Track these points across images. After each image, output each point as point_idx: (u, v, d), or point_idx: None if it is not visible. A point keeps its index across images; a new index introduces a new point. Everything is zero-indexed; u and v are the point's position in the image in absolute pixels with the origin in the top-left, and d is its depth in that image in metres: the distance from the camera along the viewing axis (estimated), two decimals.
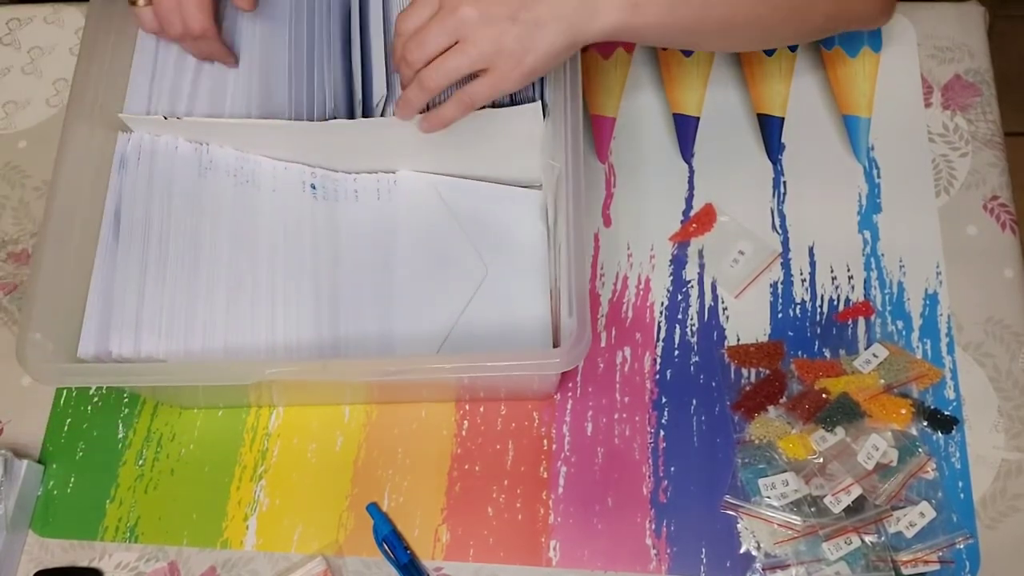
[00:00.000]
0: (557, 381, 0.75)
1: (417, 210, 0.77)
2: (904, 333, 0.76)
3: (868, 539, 0.69)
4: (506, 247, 0.76)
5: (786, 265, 0.79)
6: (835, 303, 0.78)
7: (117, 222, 0.71)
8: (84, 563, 0.74)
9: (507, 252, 0.76)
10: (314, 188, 0.76)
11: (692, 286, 0.79)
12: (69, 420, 0.79)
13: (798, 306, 0.78)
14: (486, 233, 0.76)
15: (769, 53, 0.87)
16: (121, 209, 0.72)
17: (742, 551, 0.71)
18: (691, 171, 0.83)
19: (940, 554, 0.69)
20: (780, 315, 0.78)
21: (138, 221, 0.71)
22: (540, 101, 0.70)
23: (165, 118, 0.72)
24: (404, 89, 0.66)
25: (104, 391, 0.79)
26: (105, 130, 0.73)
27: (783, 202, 0.82)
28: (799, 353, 0.76)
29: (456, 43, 0.62)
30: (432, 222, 0.76)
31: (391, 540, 0.72)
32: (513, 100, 0.70)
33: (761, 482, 0.71)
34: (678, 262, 0.80)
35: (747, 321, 0.78)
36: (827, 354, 0.76)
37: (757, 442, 0.73)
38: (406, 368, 0.63)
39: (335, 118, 0.71)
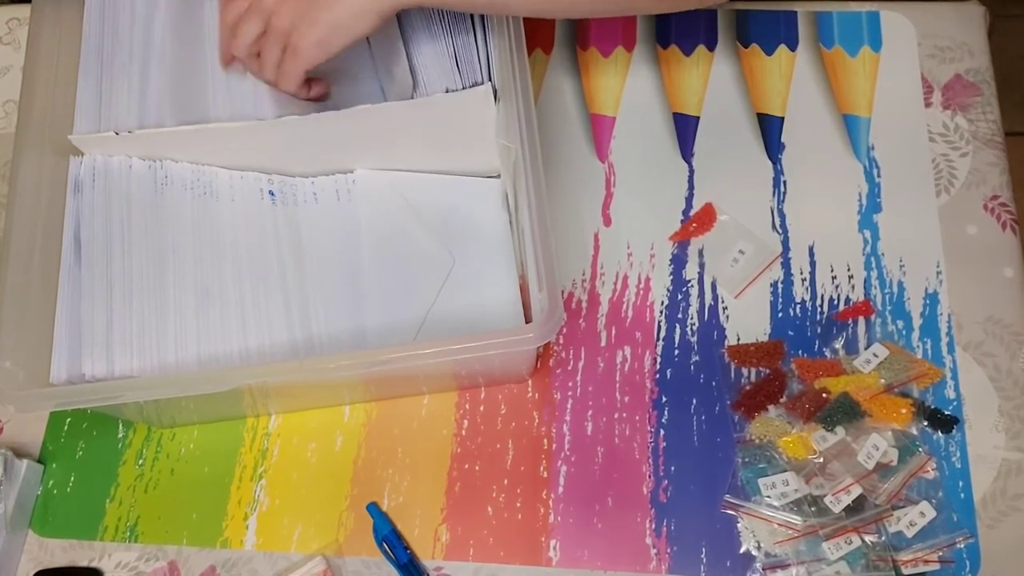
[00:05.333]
0: (534, 362, 0.75)
1: (378, 208, 0.77)
2: (904, 333, 0.76)
3: (868, 539, 0.69)
4: (470, 236, 0.77)
5: (786, 264, 0.79)
6: (835, 303, 0.78)
7: (78, 245, 0.71)
8: (84, 563, 0.74)
9: (472, 241, 0.77)
10: (272, 194, 0.76)
11: (692, 286, 0.79)
12: (69, 420, 0.79)
13: (798, 305, 0.78)
14: (449, 224, 0.77)
15: (769, 52, 0.87)
16: (80, 232, 0.72)
17: (742, 551, 0.71)
18: (691, 170, 0.83)
19: (940, 554, 0.69)
20: (780, 315, 0.78)
21: (99, 242, 0.71)
22: (489, 84, 0.71)
23: (116, 134, 0.72)
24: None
25: None
26: (56, 154, 0.73)
27: (783, 202, 0.82)
28: (799, 352, 0.76)
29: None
30: (394, 218, 0.77)
31: (391, 540, 0.72)
32: (464, 87, 0.71)
33: (761, 482, 0.71)
34: (678, 262, 0.80)
35: (747, 321, 0.78)
36: (827, 354, 0.76)
37: (757, 441, 0.73)
38: (384, 358, 0.63)
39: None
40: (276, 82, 0.67)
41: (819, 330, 0.77)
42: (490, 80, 0.72)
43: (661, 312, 0.79)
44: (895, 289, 0.78)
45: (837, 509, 0.69)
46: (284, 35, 0.64)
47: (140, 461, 0.77)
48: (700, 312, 0.78)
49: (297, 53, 0.64)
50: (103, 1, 0.78)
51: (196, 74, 0.76)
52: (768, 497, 0.71)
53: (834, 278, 0.79)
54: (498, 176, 0.78)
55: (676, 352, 0.77)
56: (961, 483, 0.71)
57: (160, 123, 0.74)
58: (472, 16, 0.73)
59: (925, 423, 0.73)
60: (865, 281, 0.78)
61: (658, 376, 0.77)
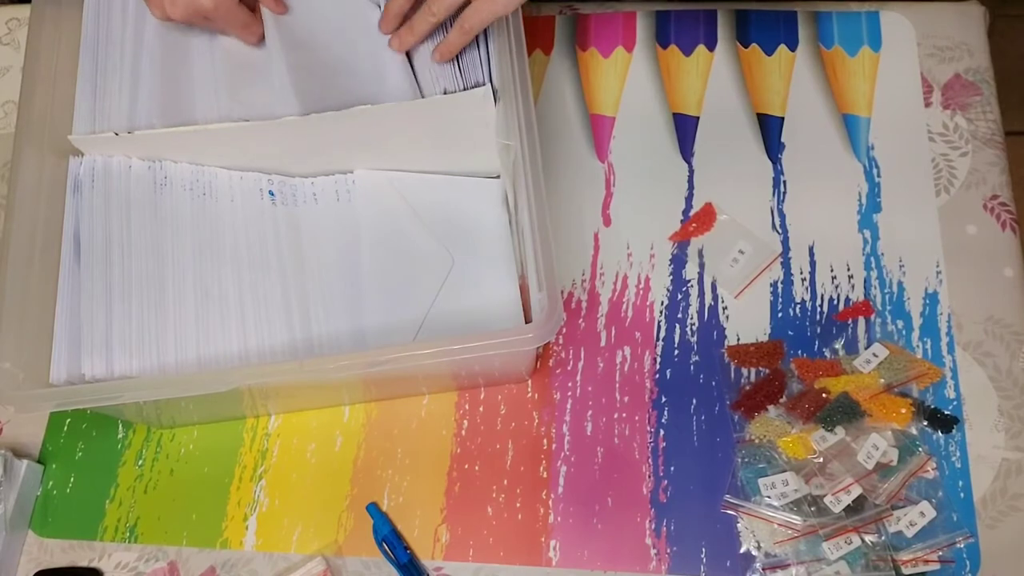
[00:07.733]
0: (534, 362, 0.75)
1: (378, 208, 0.77)
2: (904, 332, 0.76)
3: (868, 539, 0.69)
4: (470, 237, 0.77)
5: (786, 264, 0.79)
6: (835, 303, 0.78)
7: (77, 245, 0.71)
8: (84, 563, 0.74)
9: (471, 241, 0.76)
10: (272, 194, 0.76)
11: (692, 286, 0.79)
12: (68, 420, 0.79)
13: (798, 306, 0.78)
14: (449, 225, 0.77)
15: (769, 52, 0.87)
16: (80, 232, 0.72)
17: (742, 551, 0.71)
18: (691, 170, 0.83)
19: (940, 553, 0.69)
20: (780, 315, 0.78)
21: (99, 242, 0.71)
22: (489, 84, 0.71)
23: (116, 134, 0.72)
24: (389, 22, 0.73)
25: None
26: (56, 155, 0.73)
27: (783, 201, 0.82)
28: (799, 352, 0.76)
29: None
30: (394, 218, 0.77)
31: (391, 540, 0.72)
32: (465, 87, 0.72)
33: (761, 482, 0.71)
34: (678, 262, 0.80)
35: (747, 321, 0.78)
36: (827, 354, 0.76)
37: (757, 442, 0.73)
38: (384, 359, 0.63)
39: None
40: (449, 38, 0.69)
41: (819, 330, 0.77)
42: (490, 80, 0.72)
43: (661, 312, 0.79)
44: (895, 289, 0.78)
45: (837, 509, 0.69)
46: None
47: (140, 462, 0.77)
48: (700, 312, 0.78)
49: (492, 4, 0.67)
50: (100, 2, 0.78)
51: (186, 75, 0.75)
52: (768, 497, 0.71)
53: (834, 278, 0.79)
54: (498, 176, 0.78)
55: (676, 352, 0.77)
56: (961, 483, 0.71)
57: (150, 124, 0.73)
58: None
59: (925, 423, 0.73)
60: (865, 281, 0.78)
61: (658, 376, 0.77)
